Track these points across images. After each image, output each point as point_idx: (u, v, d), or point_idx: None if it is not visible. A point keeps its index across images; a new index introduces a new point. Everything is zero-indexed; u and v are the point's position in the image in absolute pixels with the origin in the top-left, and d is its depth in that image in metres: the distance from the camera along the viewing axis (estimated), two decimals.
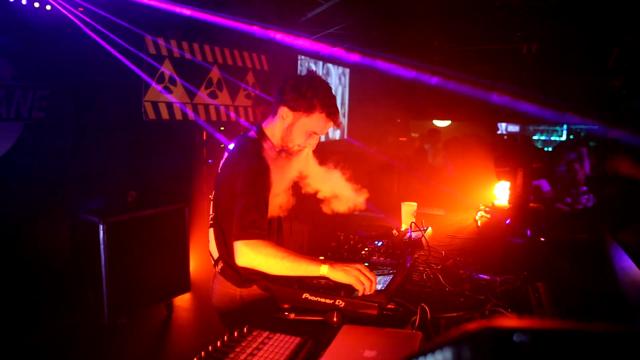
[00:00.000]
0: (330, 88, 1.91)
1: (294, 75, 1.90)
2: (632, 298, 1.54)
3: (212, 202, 2.00)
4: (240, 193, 1.74)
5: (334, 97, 1.89)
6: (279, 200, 1.92)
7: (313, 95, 1.81)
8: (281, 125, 1.89)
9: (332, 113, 1.85)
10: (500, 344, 0.44)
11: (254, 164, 1.79)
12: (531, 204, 3.22)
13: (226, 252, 1.90)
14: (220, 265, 1.94)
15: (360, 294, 1.61)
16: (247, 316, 1.85)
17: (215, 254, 1.96)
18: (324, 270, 1.64)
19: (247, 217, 1.69)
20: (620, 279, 1.71)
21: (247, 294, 1.92)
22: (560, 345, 0.43)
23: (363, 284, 1.61)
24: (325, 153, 2.07)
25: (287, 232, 2.08)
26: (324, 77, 2.29)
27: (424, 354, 0.49)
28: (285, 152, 1.94)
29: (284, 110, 1.86)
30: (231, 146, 1.99)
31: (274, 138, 1.93)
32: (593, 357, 0.42)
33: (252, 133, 1.95)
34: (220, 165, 1.99)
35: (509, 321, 0.45)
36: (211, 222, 1.99)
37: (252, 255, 1.67)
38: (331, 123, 1.88)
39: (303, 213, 2.25)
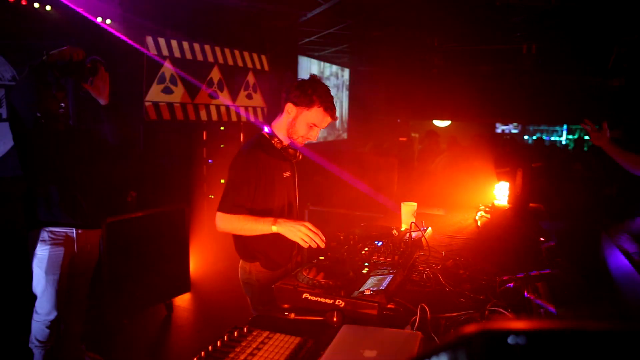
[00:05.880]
0: (328, 89, 2.19)
1: (300, 79, 2.20)
2: (626, 296, 1.54)
3: None
4: (229, 174, 2.09)
5: (331, 96, 2.19)
6: (278, 191, 2.19)
7: (313, 92, 2.11)
8: (287, 119, 2.18)
9: (328, 107, 2.14)
10: (495, 347, 0.44)
11: (248, 150, 2.12)
12: (531, 204, 3.22)
13: (240, 237, 2.23)
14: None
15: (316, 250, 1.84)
16: (257, 287, 2.20)
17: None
18: (274, 228, 1.95)
19: (228, 194, 2.05)
20: (615, 278, 1.71)
21: (254, 269, 2.21)
22: (556, 345, 0.42)
23: (306, 241, 1.86)
24: (326, 153, 2.11)
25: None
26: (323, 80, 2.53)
27: (421, 359, 0.49)
28: (292, 145, 2.22)
29: (289, 106, 2.16)
30: None
31: (281, 132, 2.21)
32: (589, 356, 0.42)
33: (264, 131, 2.25)
34: None
35: (503, 323, 0.45)
36: None
37: (224, 220, 2.04)
38: (329, 117, 2.17)
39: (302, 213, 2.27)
